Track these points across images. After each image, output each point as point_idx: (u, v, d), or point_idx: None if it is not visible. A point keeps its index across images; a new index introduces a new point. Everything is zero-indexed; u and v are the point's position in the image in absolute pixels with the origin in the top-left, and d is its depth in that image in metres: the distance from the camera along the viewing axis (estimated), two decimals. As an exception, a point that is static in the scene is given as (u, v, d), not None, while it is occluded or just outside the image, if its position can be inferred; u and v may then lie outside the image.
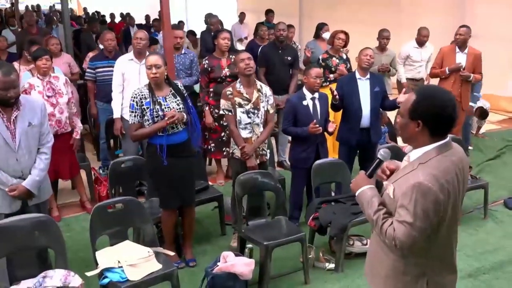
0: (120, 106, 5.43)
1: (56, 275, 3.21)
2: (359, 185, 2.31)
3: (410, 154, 2.20)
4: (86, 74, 6.16)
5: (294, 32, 7.98)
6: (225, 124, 5.72)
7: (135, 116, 3.95)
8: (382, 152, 2.31)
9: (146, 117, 3.94)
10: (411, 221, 2.06)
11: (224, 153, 5.84)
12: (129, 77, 5.36)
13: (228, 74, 5.66)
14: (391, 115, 6.55)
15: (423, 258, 2.21)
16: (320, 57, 6.32)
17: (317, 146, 4.71)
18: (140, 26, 12.19)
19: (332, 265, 4.27)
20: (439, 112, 2.08)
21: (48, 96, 4.85)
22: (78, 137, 5.17)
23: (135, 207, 3.77)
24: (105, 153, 6.15)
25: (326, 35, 7.15)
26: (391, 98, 5.49)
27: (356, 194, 2.31)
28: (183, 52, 6.08)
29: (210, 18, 9.29)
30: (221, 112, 4.54)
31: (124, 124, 5.40)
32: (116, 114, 5.48)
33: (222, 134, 5.83)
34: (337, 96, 4.87)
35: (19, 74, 5.87)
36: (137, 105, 3.93)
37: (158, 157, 3.96)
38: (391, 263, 2.26)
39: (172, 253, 3.84)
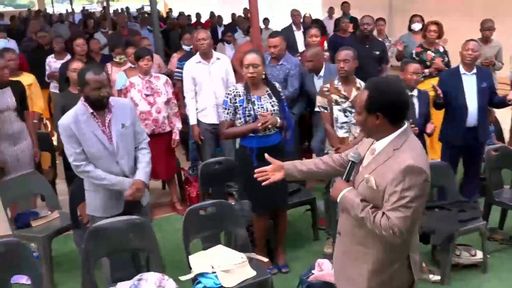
0: (195, 112, 5.30)
1: (150, 278, 3.20)
2: (338, 190, 2.31)
3: (375, 146, 2.26)
4: (175, 74, 6.22)
5: (384, 26, 7.65)
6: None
7: (227, 113, 3.92)
8: (352, 153, 2.34)
9: (238, 115, 3.90)
10: (406, 203, 2.07)
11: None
12: (200, 80, 5.24)
13: None
14: (499, 113, 6.03)
15: (407, 240, 2.21)
16: (414, 51, 6.03)
17: None
18: (228, 26, 12.28)
19: (437, 277, 3.99)
20: (394, 100, 2.16)
21: (146, 95, 4.99)
22: (177, 137, 5.21)
23: (227, 210, 3.71)
24: (195, 153, 6.17)
25: (416, 26, 6.78)
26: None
27: (338, 200, 2.31)
28: (280, 63, 5.34)
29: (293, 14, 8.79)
30: (316, 109, 4.39)
31: (201, 129, 5.30)
32: (192, 121, 5.35)
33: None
34: (441, 94, 4.55)
35: (112, 74, 6.11)
36: (230, 102, 3.89)
37: (248, 159, 3.90)
38: (376, 257, 2.26)
39: (265, 259, 3.73)
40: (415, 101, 4.45)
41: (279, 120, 3.92)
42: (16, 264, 3.18)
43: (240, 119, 3.90)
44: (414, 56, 5.96)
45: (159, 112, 5.02)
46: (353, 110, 4.13)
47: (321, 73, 5.19)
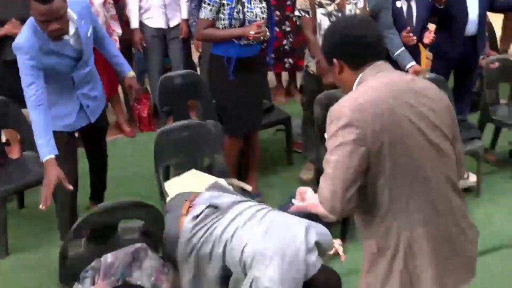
0: (137, 12, 4.79)
1: (146, 267, 2.60)
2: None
3: None
4: None
5: None
6: (287, 29, 5.30)
7: (210, 10, 3.52)
8: None
9: (221, 15, 3.51)
10: (327, 158, 1.75)
11: (286, 65, 5.44)
12: None
13: None
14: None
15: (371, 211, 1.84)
16: None
17: None
18: None
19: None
20: (343, 38, 1.87)
21: None
22: (116, 45, 4.56)
23: (204, 132, 3.44)
24: (142, 64, 5.58)
25: None
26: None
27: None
28: None
29: None
30: (296, 13, 4.03)
31: (145, 34, 4.83)
32: (134, 24, 4.82)
33: (284, 42, 5.33)
34: None
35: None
36: None
37: (224, 71, 3.61)
38: (367, 251, 1.90)
39: (249, 187, 3.50)
40: (413, 3, 4.21)
41: (268, 32, 3.64)
42: None
43: (223, 20, 3.53)
44: None
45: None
46: (340, 14, 3.86)
47: None
